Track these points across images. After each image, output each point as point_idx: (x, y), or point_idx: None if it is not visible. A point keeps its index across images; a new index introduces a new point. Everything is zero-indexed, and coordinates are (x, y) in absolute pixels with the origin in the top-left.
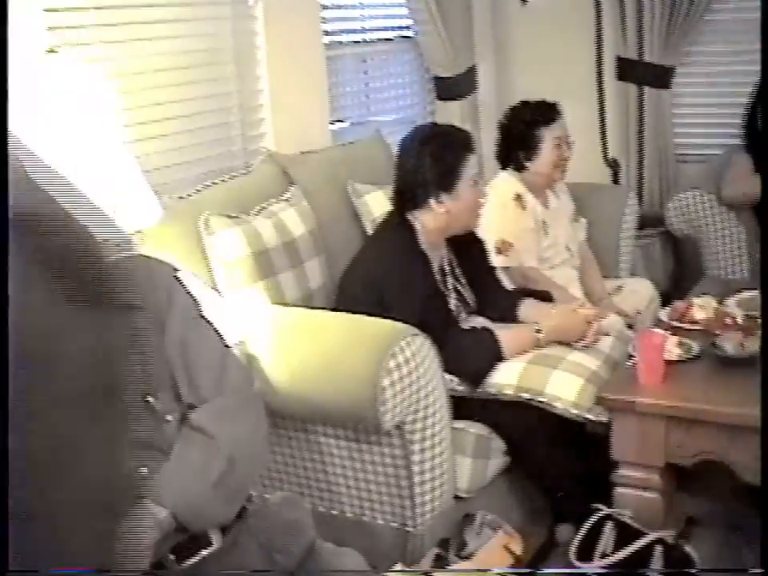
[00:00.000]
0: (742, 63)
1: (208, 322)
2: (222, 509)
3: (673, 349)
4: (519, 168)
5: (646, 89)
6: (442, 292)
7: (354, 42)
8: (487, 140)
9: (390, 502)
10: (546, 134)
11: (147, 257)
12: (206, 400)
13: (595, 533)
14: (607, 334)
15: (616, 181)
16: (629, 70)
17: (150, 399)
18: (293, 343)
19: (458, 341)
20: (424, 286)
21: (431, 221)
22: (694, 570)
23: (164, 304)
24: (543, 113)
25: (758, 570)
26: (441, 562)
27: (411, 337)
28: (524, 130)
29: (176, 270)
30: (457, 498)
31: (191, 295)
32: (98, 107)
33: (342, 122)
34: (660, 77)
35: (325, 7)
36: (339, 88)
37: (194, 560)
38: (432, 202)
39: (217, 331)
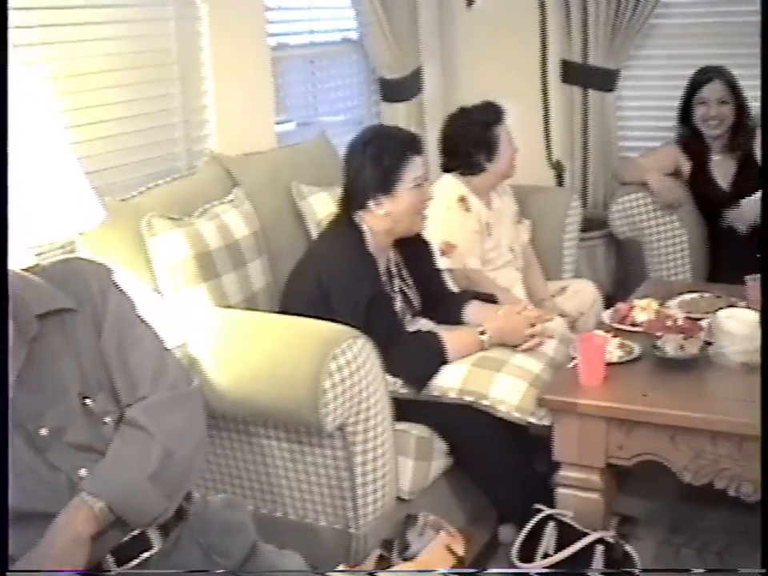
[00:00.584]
0: (684, 68)
1: (144, 322)
2: (159, 502)
3: (614, 350)
4: (476, 170)
5: (591, 92)
6: (388, 294)
7: (302, 43)
8: (433, 141)
9: (332, 504)
10: (501, 132)
11: (82, 259)
12: (143, 398)
13: (537, 533)
14: (551, 337)
15: (560, 183)
16: (573, 72)
17: (88, 401)
18: (234, 345)
19: (402, 343)
20: (370, 287)
21: (375, 223)
22: (635, 571)
23: (99, 306)
24: (496, 113)
25: (759, 570)
26: (384, 563)
27: (353, 339)
28: (482, 132)
29: (111, 271)
30: (399, 499)
31: (126, 296)
32: (39, 108)
33: (289, 122)
34: (604, 80)
35: (271, 9)
36: (287, 89)
37: (134, 562)
38: (371, 203)
39: (153, 331)
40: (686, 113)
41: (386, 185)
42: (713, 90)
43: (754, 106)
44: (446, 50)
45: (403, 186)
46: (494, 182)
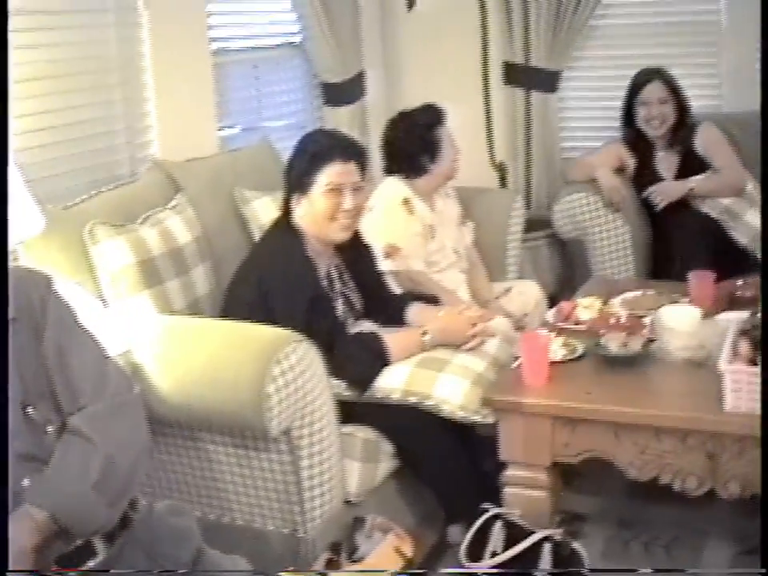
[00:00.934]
0: (625, 68)
1: (86, 330)
2: (103, 511)
3: (558, 349)
4: (419, 173)
5: (533, 93)
6: (329, 297)
7: (245, 48)
8: (377, 145)
9: (279, 508)
10: (443, 134)
11: (22, 268)
12: (85, 406)
13: (485, 533)
14: (493, 336)
15: (503, 184)
16: (515, 74)
17: (30, 410)
18: (177, 352)
19: (344, 346)
20: (309, 290)
21: (306, 225)
22: (583, 569)
23: (39, 314)
24: (437, 115)
25: (759, 570)
26: (332, 566)
27: (296, 343)
28: (423, 134)
29: (51, 280)
30: (347, 502)
31: (67, 305)
32: None
33: (233, 127)
34: (546, 81)
35: (213, 14)
36: (231, 94)
37: (79, 571)
38: (293, 203)
39: (95, 339)
40: (628, 114)
41: (301, 185)
42: (653, 91)
43: (694, 105)
44: (388, 54)
45: (318, 188)
46: (436, 184)
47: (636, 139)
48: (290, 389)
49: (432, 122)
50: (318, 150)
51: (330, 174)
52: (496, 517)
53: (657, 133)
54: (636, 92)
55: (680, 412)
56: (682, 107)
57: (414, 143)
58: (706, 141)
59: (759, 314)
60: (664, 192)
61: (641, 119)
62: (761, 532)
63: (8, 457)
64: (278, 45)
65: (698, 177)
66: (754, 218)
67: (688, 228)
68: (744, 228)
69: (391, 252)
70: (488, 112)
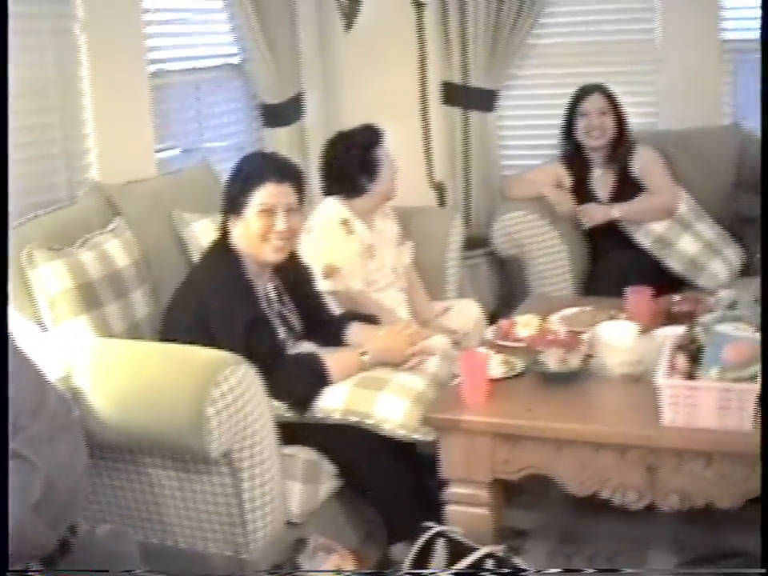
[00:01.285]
0: (562, 87)
1: (23, 354)
2: (43, 532)
3: (497, 367)
4: (358, 193)
5: (472, 112)
6: (268, 318)
7: (185, 69)
8: (316, 166)
9: (221, 531)
10: (381, 154)
11: None
12: (24, 429)
13: (428, 550)
14: (433, 355)
15: (442, 203)
16: (453, 93)
17: None
18: (116, 375)
19: (283, 367)
20: (248, 312)
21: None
22: None
23: None
24: (375, 135)
25: (759, 570)
26: None
27: (235, 365)
28: (362, 154)
29: None
30: (289, 523)
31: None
32: None
33: (173, 149)
34: (484, 100)
35: (152, 36)
36: (172, 115)
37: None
38: (229, 223)
39: (33, 363)
40: (568, 128)
41: (236, 207)
42: (594, 102)
43: (634, 122)
44: (327, 74)
45: (251, 210)
46: (375, 204)
47: (574, 157)
48: (230, 411)
49: (370, 142)
50: (252, 171)
51: (262, 195)
52: (438, 534)
53: (596, 144)
54: (576, 104)
55: (619, 427)
56: (620, 122)
57: (352, 164)
58: (642, 163)
59: (695, 328)
60: (589, 214)
61: (581, 130)
62: (761, 532)
63: (8, 457)
64: (217, 66)
65: (624, 204)
66: (687, 244)
67: (621, 256)
68: (678, 255)
69: (330, 272)
70: (426, 131)
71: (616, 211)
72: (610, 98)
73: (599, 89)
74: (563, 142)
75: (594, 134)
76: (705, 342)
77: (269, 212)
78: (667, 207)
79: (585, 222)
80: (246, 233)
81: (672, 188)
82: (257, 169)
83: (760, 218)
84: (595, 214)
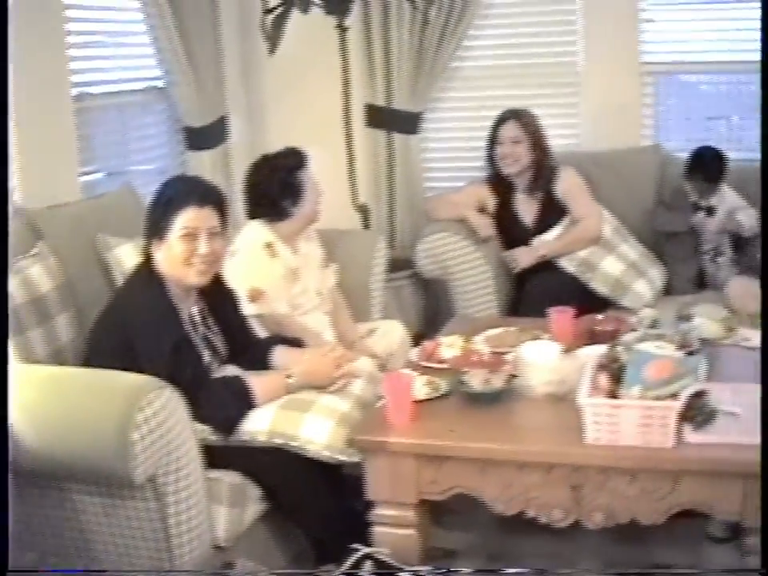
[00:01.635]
0: (486, 109)
1: None
2: None
3: (421, 388)
4: (282, 216)
5: (395, 134)
6: (192, 342)
7: (109, 92)
8: (240, 189)
9: (148, 556)
10: (305, 178)
11: None
12: None
13: (355, 572)
14: (358, 377)
15: (366, 226)
16: (377, 116)
17: None
18: (39, 401)
19: (208, 390)
20: (173, 336)
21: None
22: None
23: None
24: (299, 158)
25: (759, 570)
26: None
27: (159, 389)
28: (285, 178)
29: None
30: (216, 547)
31: None
32: None
33: (98, 173)
34: (408, 123)
35: (76, 59)
36: (95, 138)
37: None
38: (153, 248)
39: None
40: (487, 153)
41: (158, 231)
42: (507, 130)
43: (557, 144)
44: (252, 97)
45: (173, 234)
46: (299, 227)
47: (497, 180)
48: (154, 435)
49: (294, 165)
50: (174, 195)
51: (184, 219)
52: (366, 556)
53: (510, 171)
54: (494, 131)
55: (543, 446)
56: (539, 148)
57: (275, 187)
58: (564, 187)
59: (617, 348)
60: (516, 260)
61: (497, 158)
62: (761, 532)
63: (8, 457)
64: (142, 89)
65: (551, 241)
66: (611, 265)
67: (547, 278)
68: (602, 277)
69: (255, 295)
70: (350, 154)
71: (543, 250)
72: (526, 126)
73: (515, 115)
74: (487, 166)
75: (507, 161)
76: (626, 360)
77: (191, 236)
78: (592, 236)
79: (513, 267)
80: (168, 257)
81: (595, 212)
82: (178, 192)
83: (760, 221)
84: (522, 258)
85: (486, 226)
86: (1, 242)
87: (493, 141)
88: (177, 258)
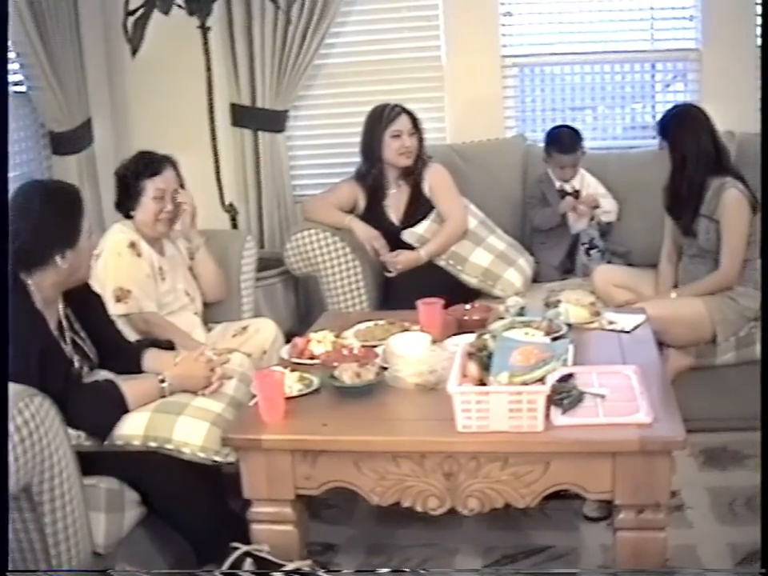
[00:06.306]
0: (351, 105)
1: None
2: None
3: (293, 384)
4: (127, 217)
5: (261, 133)
6: (60, 348)
7: None
8: (106, 193)
9: (25, 566)
10: (148, 185)
11: None
12: None
13: (235, 572)
14: (230, 378)
15: (235, 225)
16: (242, 115)
17: None
18: None
19: (79, 395)
20: (40, 343)
21: (49, 277)
22: None
23: None
24: (147, 165)
25: (759, 570)
26: None
27: (29, 398)
28: (129, 181)
29: None
30: (96, 553)
31: None
32: None
33: None
34: (273, 121)
35: None
36: None
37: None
38: (57, 258)
39: None
40: (371, 148)
41: (71, 238)
42: (404, 123)
43: (425, 138)
44: (116, 100)
45: (83, 237)
46: (147, 231)
47: (371, 175)
48: (26, 445)
49: (136, 171)
50: (78, 200)
51: (87, 220)
52: (246, 554)
53: (406, 163)
54: (386, 125)
55: (414, 436)
56: (421, 141)
57: (121, 188)
58: (431, 183)
59: (485, 336)
60: (396, 264)
61: (393, 151)
62: (761, 532)
63: (8, 457)
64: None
65: (428, 245)
66: (480, 257)
67: (417, 271)
68: (472, 269)
69: (122, 295)
70: (216, 154)
71: (423, 254)
72: (414, 119)
73: (404, 109)
74: (364, 162)
75: (405, 154)
76: (494, 348)
77: (90, 233)
78: (459, 231)
79: (392, 271)
80: (77, 260)
81: (459, 208)
82: (75, 198)
83: (760, 220)
84: (403, 263)
85: (375, 238)
86: (1, 242)
87: (379, 135)
88: (86, 259)
